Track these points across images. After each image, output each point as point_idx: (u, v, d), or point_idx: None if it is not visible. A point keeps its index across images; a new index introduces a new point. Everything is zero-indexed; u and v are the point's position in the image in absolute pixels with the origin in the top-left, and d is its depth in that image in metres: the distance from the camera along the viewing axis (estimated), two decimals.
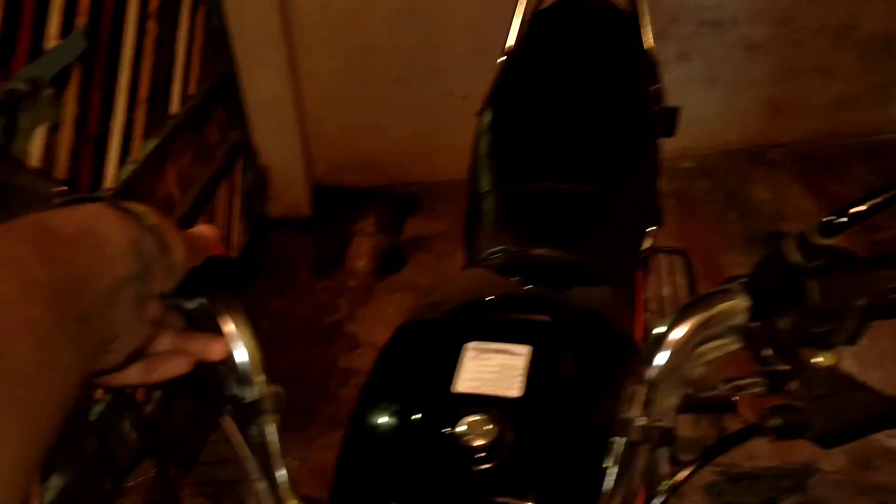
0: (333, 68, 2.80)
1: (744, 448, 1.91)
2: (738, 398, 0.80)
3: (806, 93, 2.96)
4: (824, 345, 0.51)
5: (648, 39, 1.68)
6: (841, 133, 3.02)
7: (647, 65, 1.59)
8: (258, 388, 0.58)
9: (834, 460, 1.84)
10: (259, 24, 2.50)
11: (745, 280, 0.52)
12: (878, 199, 0.47)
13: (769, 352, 0.51)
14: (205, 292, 0.55)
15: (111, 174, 1.84)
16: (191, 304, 0.55)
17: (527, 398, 0.69)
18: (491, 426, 0.65)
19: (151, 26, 2.01)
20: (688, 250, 1.89)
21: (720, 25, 2.81)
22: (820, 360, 0.51)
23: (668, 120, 1.67)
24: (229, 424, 0.57)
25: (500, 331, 0.79)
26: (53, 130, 1.69)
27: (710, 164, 3.01)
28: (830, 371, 0.50)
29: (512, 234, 1.12)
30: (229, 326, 0.56)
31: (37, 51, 1.55)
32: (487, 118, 1.37)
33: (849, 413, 0.49)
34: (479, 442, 0.64)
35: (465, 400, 0.70)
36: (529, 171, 1.23)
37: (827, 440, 0.49)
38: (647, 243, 1.37)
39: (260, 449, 0.59)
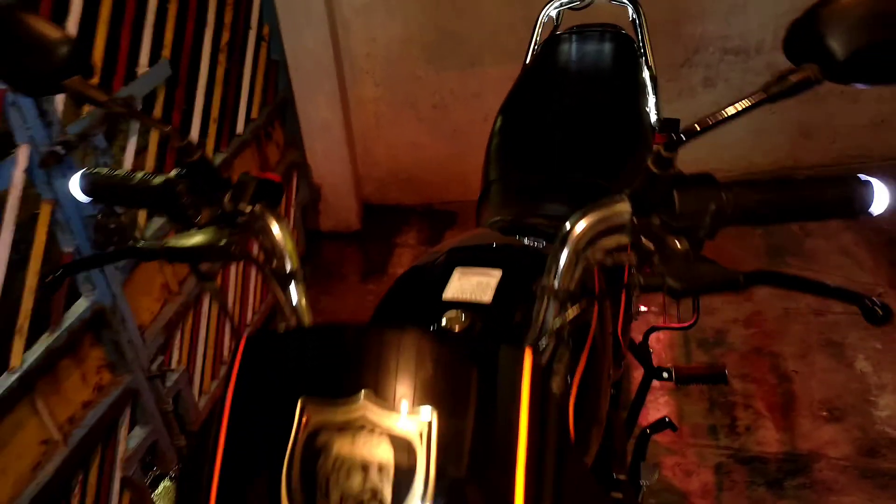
0: (379, 96, 3.10)
1: (754, 435, 2.04)
2: (726, 371, 1.05)
3: (833, 116, 3.03)
4: (687, 235, 0.74)
5: (648, 58, 1.93)
6: (867, 155, 3.10)
7: (645, 80, 1.83)
8: (291, 263, 0.88)
9: (840, 448, 1.97)
10: (313, 57, 2.82)
11: (628, 190, 0.76)
12: (709, 123, 0.71)
13: (642, 238, 0.75)
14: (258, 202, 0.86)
15: None
16: (248, 209, 0.84)
17: (494, 303, 0.95)
18: (465, 319, 0.90)
19: (222, 59, 2.34)
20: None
21: (745, 53, 2.93)
22: (676, 243, 0.74)
23: (668, 127, 1.90)
24: (274, 286, 0.86)
25: (482, 260, 1.04)
26: (141, 150, 2.00)
27: None
28: (685, 252, 0.73)
29: (510, 209, 1.38)
30: (276, 227, 0.86)
31: (131, 76, 1.88)
32: (499, 123, 1.63)
33: (694, 276, 0.72)
34: (456, 328, 0.89)
35: (450, 304, 0.95)
36: (529, 164, 1.48)
37: (676, 293, 0.72)
38: None
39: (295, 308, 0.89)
